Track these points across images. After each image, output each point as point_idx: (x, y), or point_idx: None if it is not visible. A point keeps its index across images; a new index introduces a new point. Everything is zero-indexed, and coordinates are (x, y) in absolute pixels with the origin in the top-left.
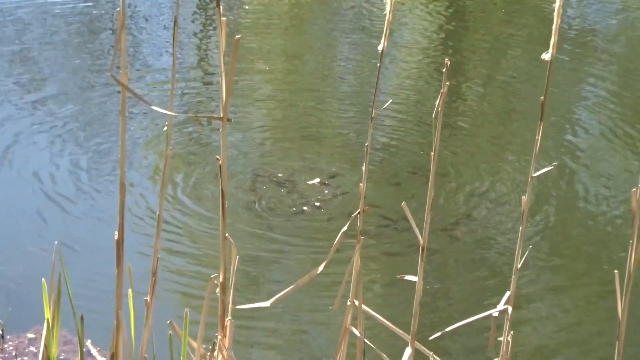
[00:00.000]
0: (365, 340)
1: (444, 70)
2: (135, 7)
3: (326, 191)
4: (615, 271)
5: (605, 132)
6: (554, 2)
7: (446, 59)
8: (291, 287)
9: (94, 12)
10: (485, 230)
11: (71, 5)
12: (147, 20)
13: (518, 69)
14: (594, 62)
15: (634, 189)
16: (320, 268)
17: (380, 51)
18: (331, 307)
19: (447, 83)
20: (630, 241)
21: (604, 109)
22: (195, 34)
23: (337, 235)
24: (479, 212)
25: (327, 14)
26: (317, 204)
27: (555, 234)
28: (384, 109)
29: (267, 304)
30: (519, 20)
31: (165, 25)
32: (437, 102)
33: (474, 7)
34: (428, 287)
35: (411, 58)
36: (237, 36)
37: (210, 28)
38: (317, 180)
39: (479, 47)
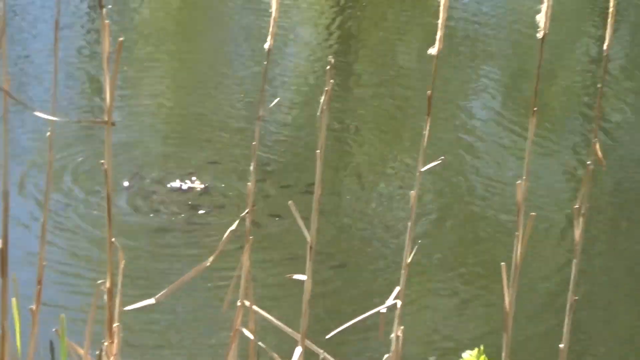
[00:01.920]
0: (260, 343)
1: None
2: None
3: (215, 193)
4: (502, 263)
5: (496, 125)
6: None
7: (329, 57)
8: (177, 281)
9: None
10: (378, 227)
11: None
12: (34, 24)
13: (410, 65)
14: (484, 57)
15: (519, 182)
16: (208, 262)
17: (267, 49)
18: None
19: (332, 81)
20: (516, 233)
21: (496, 103)
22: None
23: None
24: (373, 209)
25: (218, 17)
26: (207, 210)
27: (446, 228)
28: (275, 106)
29: (152, 300)
30: (413, 15)
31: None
32: (321, 100)
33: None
34: (320, 285)
35: (302, 56)
36: (120, 39)
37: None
38: (199, 184)
39: (371, 43)
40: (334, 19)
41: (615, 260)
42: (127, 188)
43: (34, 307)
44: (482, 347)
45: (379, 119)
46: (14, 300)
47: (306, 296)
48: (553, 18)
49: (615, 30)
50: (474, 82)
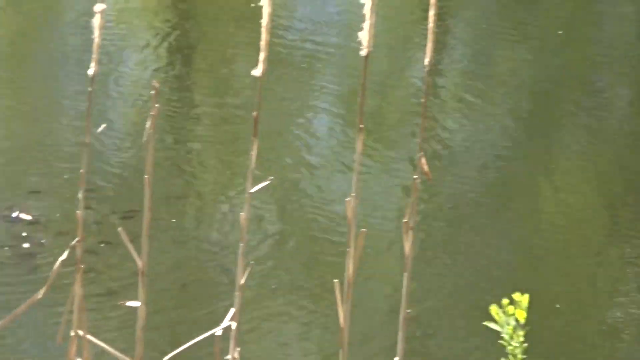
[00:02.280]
0: None
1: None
2: None
3: (44, 222)
4: (335, 280)
5: (336, 142)
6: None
7: (154, 82)
8: (9, 316)
9: None
10: (217, 250)
11: None
12: None
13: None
14: (323, 74)
15: (348, 199)
16: (40, 294)
17: (91, 76)
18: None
19: (157, 105)
20: (347, 249)
21: (335, 120)
22: None
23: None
24: (211, 231)
25: (47, 41)
26: (36, 240)
27: (287, 249)
28: (105, 131)
29: None
30: (250, 34)
31: None
32: (146, 126)
33: (202, 19)
34: (158, 310)
35: (132, 80)
36: None
37: None
38: (26, 215)
39: (209, 62)
40: (167, 39)
41: (455, 274)
42: None
43: None
44: None
45: (217, 140)
46: None
47: (140, 322)
48: (390, 32)
49: (446, 45)
50: (314, 100)
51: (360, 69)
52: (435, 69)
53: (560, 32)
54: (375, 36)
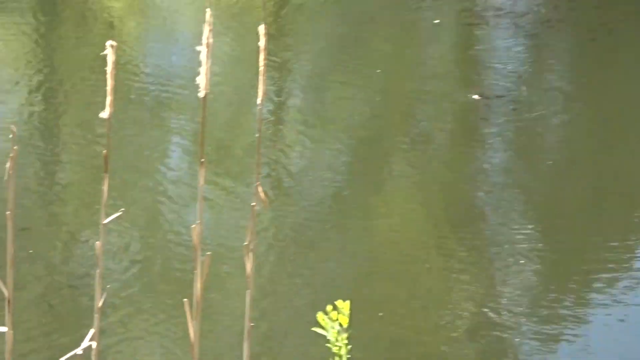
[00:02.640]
0: None
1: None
2: None
3: None
4: (185, 300)
5: (188, 173)
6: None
7: (11, 126)
8: None
9: None
10: (74, 276)
11: None
12: None
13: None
14: (178, 111)
15: (193, 226)
16: None
17: None
18: None
19: (15, 147)
20: (195, 272)
21: (186, 154)
22: None
23: None
24: (70, 262)
25: None
26: None
27: (150, 274)
28: None
29: None
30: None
31: None
32: (7, 166)
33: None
34: (26, 335)
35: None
36: None
37: None
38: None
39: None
40: (29, 84)
41: (292, 288)
42: None
43: None
44: None
45: (78, 179)
46: None
47: (8, 346)
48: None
49: (286, 82)
50: (169, 137)
51: (208, 108)
52: (277, 104)
53: (378, 70)
54: (226, 78)
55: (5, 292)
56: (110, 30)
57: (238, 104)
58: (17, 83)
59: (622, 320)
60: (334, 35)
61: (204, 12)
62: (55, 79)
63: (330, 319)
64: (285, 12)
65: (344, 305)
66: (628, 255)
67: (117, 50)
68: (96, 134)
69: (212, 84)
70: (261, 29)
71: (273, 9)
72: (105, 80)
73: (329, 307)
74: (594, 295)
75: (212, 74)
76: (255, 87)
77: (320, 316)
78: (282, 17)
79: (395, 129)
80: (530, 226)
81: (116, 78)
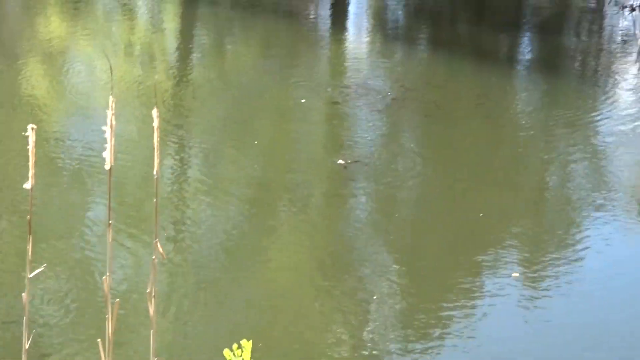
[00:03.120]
0: None
1: None
2: None
3: None
4: (98, 340)
5: (96, 233)
6: None
7: None
8: None
9: None
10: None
11: None
12: None
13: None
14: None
15: (104, 277)
16: None
17: None
18: None
19: None
20: (107, 315)
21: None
22: None
23: None
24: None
25: None
26: None
27: (64, 320)
28: None
29: None
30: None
31: None
32: None
33: None
34: None
35: None
36: None
37: None
38: None
39: None
40: None
41: (196, 329)
42: None
43: None
44: None
45: (6, 241)
46: None
47: None
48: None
49: (181, 154)
50: (80, 207)
51: (118, 176)
52: (175, 173)
53: (256, 142)
54: (131, 152)
55: None
56: (33, 114)
57: (141, 174)
58: None
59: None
60: (220, 113)
61: (109, 97)
62: None
63: (235, 355)
64: (178, 94)
65: (247, 344)
66: (476, 294)
67: (39, 130)
68: (23, 202)
69: (119, 158)
70: (154, 112)
71: (166, 93)
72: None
73: (234, 345)
74: (441, 330)
75: (117, 150)
76: (154, 157)
77: (227, 353)
78: (176, 99)
79: (275, 189)
80: (391, 268)
81: (40, 152)
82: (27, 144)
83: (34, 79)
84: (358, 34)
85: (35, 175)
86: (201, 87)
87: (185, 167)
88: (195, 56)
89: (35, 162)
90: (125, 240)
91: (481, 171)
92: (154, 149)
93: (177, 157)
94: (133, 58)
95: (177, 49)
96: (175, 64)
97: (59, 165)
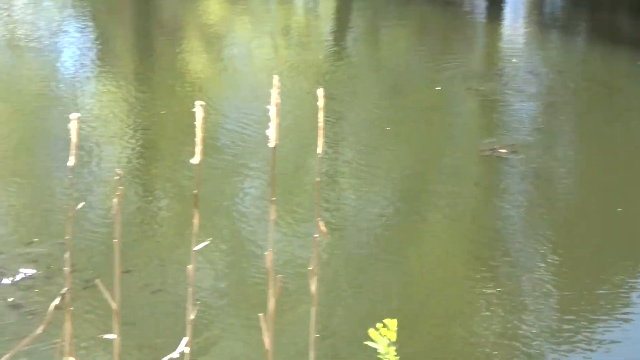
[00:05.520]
0: None
1: None
2: None
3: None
4: (260, 314)
5: (254, 211)
6: None
7: (117, 169)
8: (15, 347)
9: None
10: (168, 293)
11: None
12: None
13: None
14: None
15: (267, 253)
16: (39, 330)
17: (70, 167)
18: None
19: (121, 187)
20: (268, 291)
21: (257, 191)
22: None
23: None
24: (165, 283)
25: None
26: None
27: (227, 292)
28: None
29: None
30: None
31: None
32: (114, 202)
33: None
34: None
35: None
36: None
37: None
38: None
39: (163, 154)
40: (133, 136)
41: (350, 306)
42: None
43: None
44: None
45: (174, 212)
46: None
47: (116, 350)
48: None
49: (340, 134)
50: (241, 178)
51: (277, 156)
52: (334, 153)
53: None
54: (290, 131)
55: (113, 305)
56: (198, 91)
57: (301, 153)
58: (121, 136)
59: None
60: (375, 97)
61: (273, 76)
62: (152, 132)
63: (380, 334)
64: (335, 74)
65: (392, 323)
66: None
67: (204, 108)
68: (187, 176)
69: (279, 136)
70: (319, 91)
71: (325, 74)
72: (194, 133)
73: (379, 324)
74: (605, 315)
75: (280, 127)
76: (314, 139)
77: (372, 331)
78: (334, 79)
79: (429, 175)
80: (544, 260)
81: (203, 130)
82: (194, 120)
83: (197, 58)
84: (514, 22)
85: (201, 153)
86: (356, 69)
87: (343, 147)
88: (350, 40)
89: (202, 139)
90: (286, 217)
91: None
92: (314, 128)
93: (335, 137)
94: (292, 40)
95: (333, 32)
96: (332, 47)
97: (222, 142)
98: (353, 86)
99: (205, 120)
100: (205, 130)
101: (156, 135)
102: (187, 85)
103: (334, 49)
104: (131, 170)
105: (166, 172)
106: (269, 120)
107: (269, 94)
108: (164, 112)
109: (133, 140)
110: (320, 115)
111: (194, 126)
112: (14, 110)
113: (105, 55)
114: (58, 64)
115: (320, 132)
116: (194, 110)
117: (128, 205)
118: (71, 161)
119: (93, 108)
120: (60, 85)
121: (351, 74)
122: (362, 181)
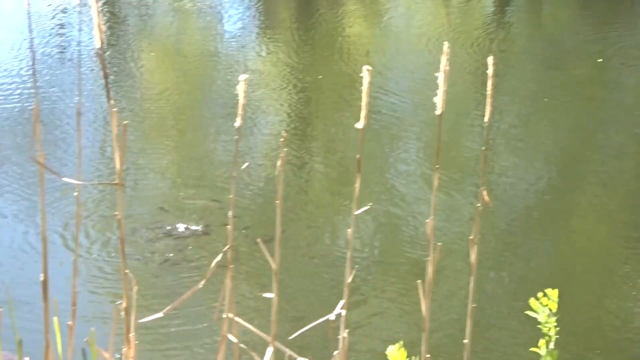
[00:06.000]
0: (241, 345)
1: None
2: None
3: (207, 233)
4: (418, 281)
5: (420, 178)
6: None
7: (283, 132)
8: (177, 300)
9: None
10: (327, 257)
11: None
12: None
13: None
14: (406, 133)
15: (428, 220)
16: (201, 284)
17: (237, 127)
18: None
19: (285, 149)
20: (428, 258)
21: (417, 164)
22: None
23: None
24: (323, 245)
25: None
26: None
27: (388, 254)
28: (246, 169)
29: (160, 314)
30: (355, 96)
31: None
32: (278, 164)
33: (315, 99)
34: (286, 300)
35: (266, 132)
36: (125, 122)
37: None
38: (197, 227)
39: (323, 121)
40: (293, 105)
41: (505, 277)
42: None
43: (70, 322)
44: (402, 342)
45: (331, 177)
46: (55, 318)
47: (274, 309)
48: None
49: (498, 95)
50: (401, 145)
51: (435, 123)
52: (491, 124)
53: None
54: (450, 99)
55: (273, 265)
56: (364, 56)
57: (462, 120)
58: (284, 99)
59: None
60: (535, 72)
61: (434, 45)
62: (317, 93)
63: (541, 304)
64: (500, 43)
65: (553, 293)
66: None
67: (370, 73)
68: (349, 141)
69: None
70: (489, 59)
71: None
72: (358, 98)
73: (539, 294)
74: None
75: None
76: (474, 106)
77: (532, 301)
78: (494, 49)
79: (583, 154)
80: None
81: (358, 93)
82: (356, 84)
83: (358, 24)
84: None
85: (357, 115)
86: (518, 40)
87: (504, 117)
88: (510, 11)
89: (354, 102)
90: (445, 185)
91: None
92: (470, 97)
93: (494, 106)
94: (452, 7)
95: (495, 3)
96: (493, 15)
97: (383, 106)
98: (511, 56)
99: (360, 85)
100: (359, 95)
101: (321, 97)
102: (351, 50)
103: (496, 19)
104: (293, 132)
105: (328, 135)
106: (429, 87)
107: (427, 61)
108: (322, 76)
109: (295, 104)
110: (489, 83)
111: (355, 90)
112: (179, 71)
113: (267, 18)
114: (220, 26)
115: (488, 100)
116: (359, 75)
117: (287, 167)
118: (238, 122)
119: (255, 70)
120: (223, 47)
121: (512, 46)
122: (519, 152)
